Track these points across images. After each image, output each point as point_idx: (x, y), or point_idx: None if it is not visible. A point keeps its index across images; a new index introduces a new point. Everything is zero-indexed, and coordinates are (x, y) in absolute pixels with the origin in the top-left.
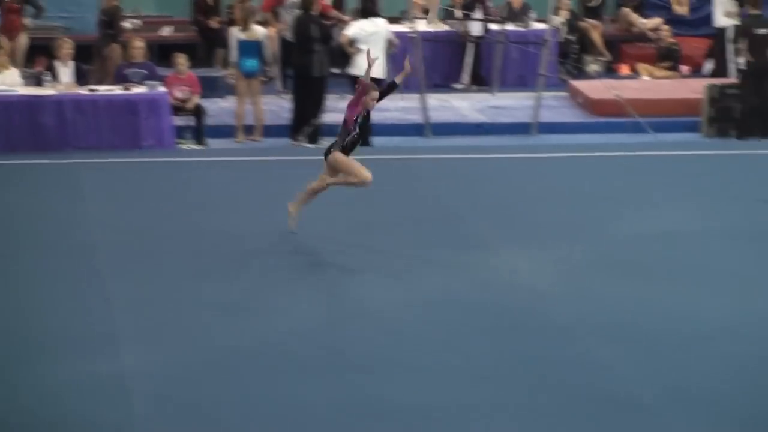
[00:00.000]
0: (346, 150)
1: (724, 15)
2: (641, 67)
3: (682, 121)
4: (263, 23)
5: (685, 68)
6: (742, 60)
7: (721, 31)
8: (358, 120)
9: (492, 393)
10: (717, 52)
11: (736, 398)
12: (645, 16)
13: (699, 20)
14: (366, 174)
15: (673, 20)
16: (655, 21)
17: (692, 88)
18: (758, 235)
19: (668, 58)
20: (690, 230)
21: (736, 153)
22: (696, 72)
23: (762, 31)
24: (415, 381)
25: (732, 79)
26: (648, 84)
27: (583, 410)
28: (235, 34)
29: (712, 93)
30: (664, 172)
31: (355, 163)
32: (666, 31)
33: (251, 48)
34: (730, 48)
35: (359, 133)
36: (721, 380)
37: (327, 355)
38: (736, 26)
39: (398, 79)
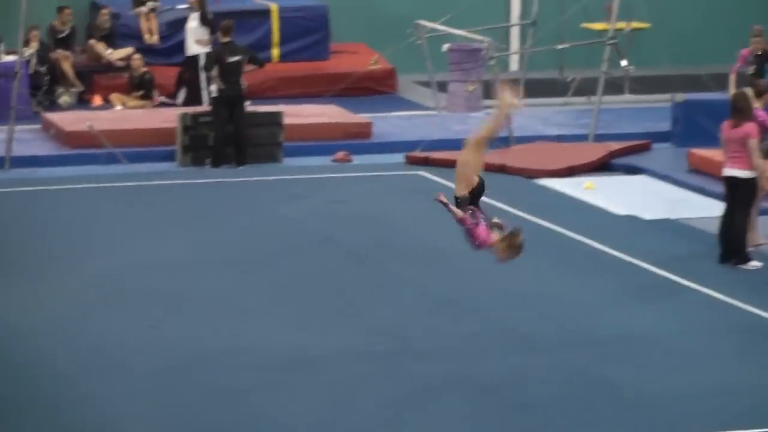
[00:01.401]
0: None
1: (195, 43)
2: (114, 97)
3: (158, 151)
4: None
5: (158, 97)
6: (214, 87)
7: (193, 59)
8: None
9: None
10: (190, 80)
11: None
12: (117, 45)
13: (171, 48)
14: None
15: (145, 49)
16: (127, 50)
17: (166, 117)
18: (234, 262)
19: (141, 87)
20: (172, 260)
21: (211, 181)
22: (170, 100)
23: (233, 58)
24: None
25: (205, 107)
26: (121, 114)
27: None
28: None
29: (186, 121)
30: (142, 202)
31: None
32: (138, 60)
33: None
34: (202, 76)
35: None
36: (197, 409)
37: None
38: (208, 54)
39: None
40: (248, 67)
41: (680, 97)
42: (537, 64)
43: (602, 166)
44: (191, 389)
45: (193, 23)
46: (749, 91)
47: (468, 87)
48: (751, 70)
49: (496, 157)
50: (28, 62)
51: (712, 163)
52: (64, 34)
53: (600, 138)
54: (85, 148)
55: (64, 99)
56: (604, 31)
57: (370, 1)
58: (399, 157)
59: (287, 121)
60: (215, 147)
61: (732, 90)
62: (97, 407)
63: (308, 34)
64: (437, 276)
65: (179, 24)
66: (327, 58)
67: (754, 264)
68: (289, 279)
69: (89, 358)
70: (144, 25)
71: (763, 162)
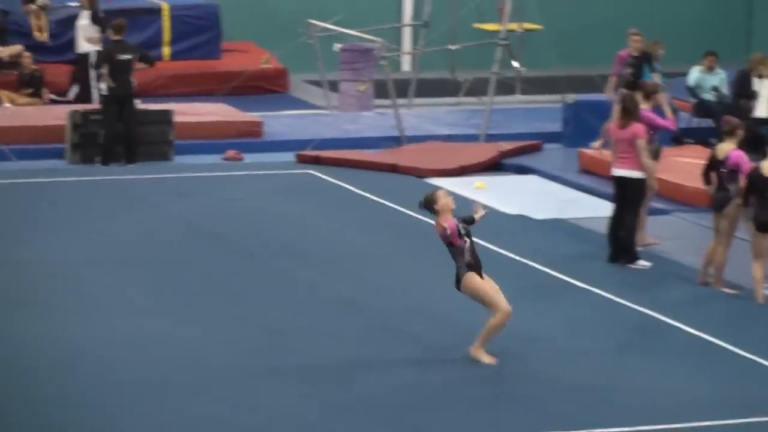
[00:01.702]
0: (474, 267)
1: (86, 41)
2: (3, 94)
3: (47, 148)
4: None
5: (48, 95)
6: (104, 85)
7: (84, 56)
8: (462, 232)
9: None
10: (80, 78)
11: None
12: (7, 42)
13: (62, 46)
14: (506, 306)
15: (35, 47)
16: (16, 48)
17: (56, 115)
18: (124, 260)
19: (31, 85)
20: (60, 258)
21: (101, 179)
22: (61, 97)
23: (124, 56)
24: None
25: (95, 104)
26: (10, 111)
27: None
28: None
29: (76, 119)
30: (30, 200)
31: (489, 290)
32: (27, 58)
33: None
34: (93, 74)
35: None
36: (80, 406)
37: None
38: (99, 52)
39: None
40: (139, 66)
41: (571, 97)
42: (429, 64)
43: (493, 166)
44: (77, 386)
45: (83, 21)
46: (624, 91)
47: (359, 87)
48: (628, 71)
49: (387, 156)
50: None
51: (602, 163)
52: None
53: (491, 138)
54: None
55: None
56: (496, 32)
57: None
58: (290, 156)
59: (178, 119)
60: (105, 145)
61: (609, 92)
62: None
63: (199, 32)
64: (328, 274)
65: (70, 22)
66: (218, 56)
67: (643, 264)
68: (179, 277)
69: None
70: (34, 22)
71: (652, 162)
